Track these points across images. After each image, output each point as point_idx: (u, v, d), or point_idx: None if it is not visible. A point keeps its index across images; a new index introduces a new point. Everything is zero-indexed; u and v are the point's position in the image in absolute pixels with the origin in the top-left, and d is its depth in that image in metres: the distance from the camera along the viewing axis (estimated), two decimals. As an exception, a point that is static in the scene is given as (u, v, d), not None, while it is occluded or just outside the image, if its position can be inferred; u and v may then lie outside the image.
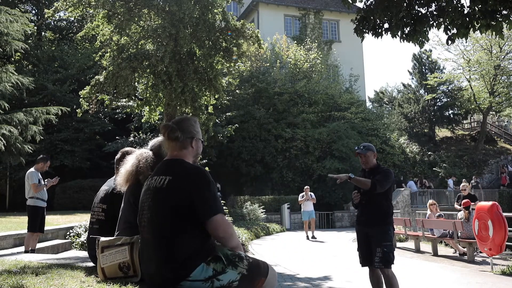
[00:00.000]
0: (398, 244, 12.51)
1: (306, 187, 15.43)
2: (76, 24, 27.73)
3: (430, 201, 11.85)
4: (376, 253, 4.42)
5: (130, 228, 2.69)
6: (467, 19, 5.54)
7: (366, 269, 4.77)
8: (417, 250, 11.37)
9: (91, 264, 3.42)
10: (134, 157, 2.88)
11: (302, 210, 14.81)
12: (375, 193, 4.53)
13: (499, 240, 7.76)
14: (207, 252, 2.26)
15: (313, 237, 14.20)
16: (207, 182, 2.29)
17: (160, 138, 3.02)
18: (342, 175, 4.57)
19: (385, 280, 4.47)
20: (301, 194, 15.08)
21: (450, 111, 31.11)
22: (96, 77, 11.67)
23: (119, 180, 2.88)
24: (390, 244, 4.49)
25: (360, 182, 4.52)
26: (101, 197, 3.21)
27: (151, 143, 3.03)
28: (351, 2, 6.58)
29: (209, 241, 2.31)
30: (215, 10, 11.30)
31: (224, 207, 2.44)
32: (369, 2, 6.28)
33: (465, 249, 9.85)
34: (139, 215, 2.42)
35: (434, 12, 5.95)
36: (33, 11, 27.33)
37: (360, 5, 6.75)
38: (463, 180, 18.97)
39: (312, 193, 15.16)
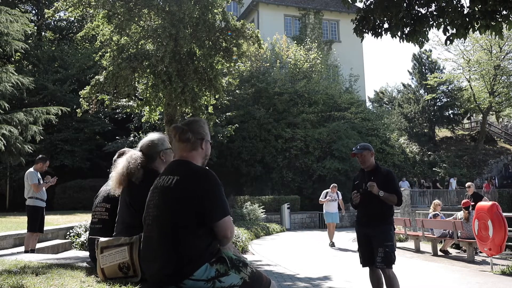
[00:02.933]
0: (398, 244, 12.51)
1: (333, 184, 12.97)
2: (76, 24, 27.74)
3: (436, 201, 11.77)
4: (378, 253, 4.41)
5: (128, 229, 2.69)
6: (467, 19, 5.54)
7: (366, 269, 4.77)
8: (417, 250, 11.37)
9: (91, 264, 3.42)
10: (125, 159, 2.88)
11: (324, 211, 12.63)
12: (374, 194, 4.53)
13: (499, 240, 7.75)
14: (211, 253, 2.27)
15: (333, 244, 12.06)
16: (216, 184, 2.30)
17: (150, 137, 3.01)
18: (376, 188, 4.50)
19: (386, 280, 4.46)
20: (324, 192, 12.76)
21: (450, 111, 31.14)
22: (96, 77, 11.68)
23: (112, 184, 2.88)
24: (392, 244, 4.50)
25: (389, 199, 4.50)
26: (105, 197, 3.20)
27: (140, 143, 3.03)
28: (351, 2, 6.59)
29: (214, 242, 2.32)
30: (215, 10, 11.31)
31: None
32: (369, 2, 6.27)
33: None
34: (144, 213, 2.43)
35: (434, 12, 5.95)
36: (33, 11, 27.35)
37: (360, 5, 6.75)
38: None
39: (339, 192, 12.77)
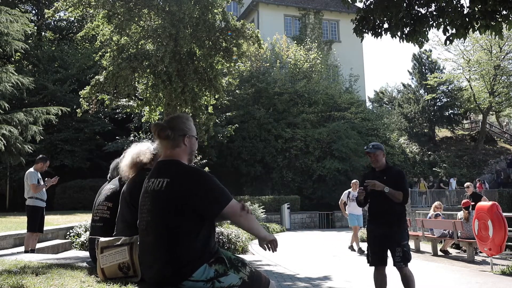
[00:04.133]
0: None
1: (355, 180, 11.06)
2: (76, 24, 27.74)
3: (437, 203, 11.75)
4: (396, 253, 4.50)
5: (128, 228, 2.69)
6: (467, 19, 5.54)
7: (366, 269, 4.78)
8: (417, 250, 11.37)
9: (91, 264, 3.42)
10: (141, 145, 2.91)
11: (348, 212, 11.11)
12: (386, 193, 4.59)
13: (499, 240, 7.76)
14: (210, 253, 2.27)
15: (361, 250, 10.20)
16: (207, 178, 2.30)
17: None
18: (379, 184, 4.56)
19: (403, 278, 4.54)
20: (346, 192, 11.34)
21: (450, 111, 31.13)
22: (96, 77, 11.66)
23: (123, 167, 2.88)
24: (407, 243, 4.62)
25: (394, 196, 4.57)
26: (107, 195, 3.20)
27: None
28: (351, 2, 6.59)
29: (212, 243, 2.32)
30: (215, 10, 11.30)
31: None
32: (368, 2, 6.27)
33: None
34: (138, 218, 2.42)
35: (434, 12, 5.95)
36: (33, 11, 27.35)
37: (360, 5, 6.75)
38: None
39: None
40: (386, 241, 4.57)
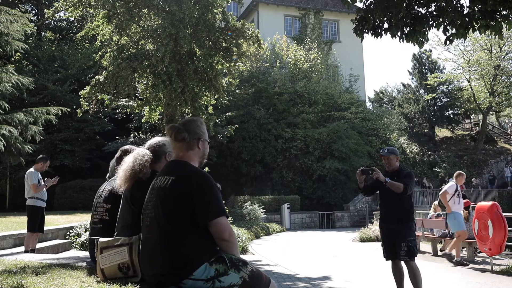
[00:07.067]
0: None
1: (460, 172, 8.84)
2: (76, 24, 27.73)
3: (437, 202, 11.73)
4: (402, 247, 4.82)
5: (128, 228, 2.69)
6: (467, 19, 5.53)
7: (366, 269, 4.85)
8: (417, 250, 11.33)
9: (91, 264, 3.43)
10: (131, 156, 2.89)
11: (455, 211, 8.59)
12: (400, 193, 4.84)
13: (499, 240, 7.74)
14: (210, 253, 2.27)
15: (457, 261, 8.58)
16: (210, 184, 2.30)
17: (158, 139, 3.06)
18: (382, 176, 4.84)
19: (409, 271, 4.90)
20: (452, 184, 8.66)
21: (450, 111, 31.12)
22: (96, 77, 11.68)
23: (118, 181, 2.89)
24: (414, 239, 4.91)
25: (394, 186, 4.84)
26: (105, 197, 3.21)
27: (148, 142, 3.06)
28: (351, 2, 6.58)
29: (213, 242, 2.32)
30: (215, 10, 11.32)
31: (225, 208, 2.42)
32: (368, 2, 6.27)
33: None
34: (142, 214, 2.44)
35: (434, 12, 5.95)
36: (33, 11, 27.34)
37: (360, 5, 6.74)
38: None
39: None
40: (395, 236, 4.89)
